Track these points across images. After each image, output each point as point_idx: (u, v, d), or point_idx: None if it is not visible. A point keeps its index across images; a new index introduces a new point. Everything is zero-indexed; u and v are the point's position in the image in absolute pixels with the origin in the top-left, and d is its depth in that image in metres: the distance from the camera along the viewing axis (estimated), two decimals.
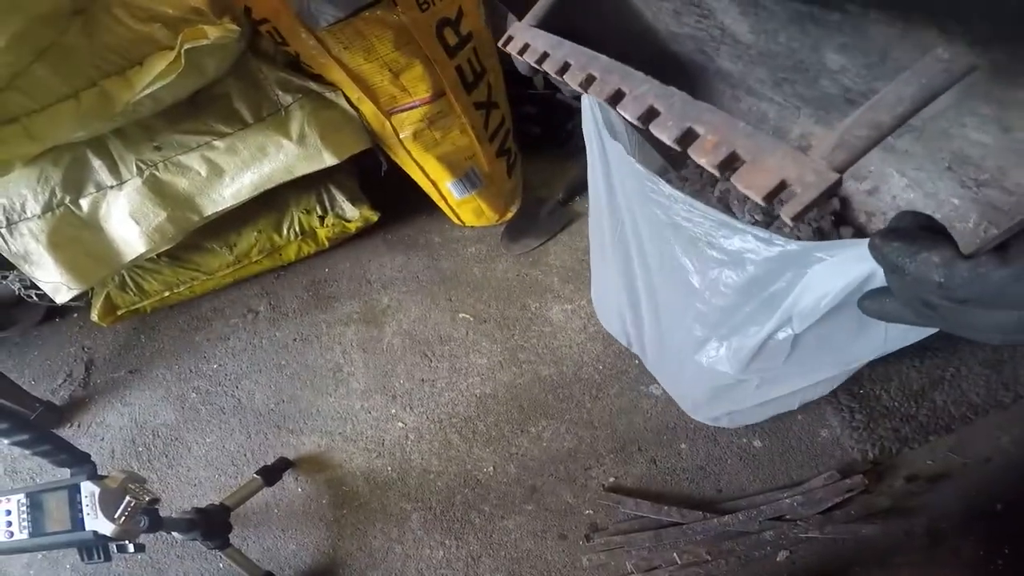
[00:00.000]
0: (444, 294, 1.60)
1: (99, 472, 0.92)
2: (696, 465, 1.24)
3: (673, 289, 0.87)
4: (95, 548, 0.91)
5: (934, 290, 0.38)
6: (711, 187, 1.05)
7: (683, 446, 1.26)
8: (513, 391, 1.40)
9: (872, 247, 0.41)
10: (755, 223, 0.90)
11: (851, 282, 0.57)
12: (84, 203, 1.35)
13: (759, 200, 0.36)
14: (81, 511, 0.88)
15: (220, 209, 1.40)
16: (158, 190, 1.35)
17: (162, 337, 1.70)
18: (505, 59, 1.55)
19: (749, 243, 0.64)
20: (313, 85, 1.36)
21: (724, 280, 0.74)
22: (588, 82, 0.50)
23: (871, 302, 0.48)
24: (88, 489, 0.88)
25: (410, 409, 1.41)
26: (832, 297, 0.60)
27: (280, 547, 1.29)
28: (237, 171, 1.37)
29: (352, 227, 1.65)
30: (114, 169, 1.33)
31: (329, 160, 1.38)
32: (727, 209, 0.98)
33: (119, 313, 1.63)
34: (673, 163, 1.11)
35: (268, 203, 1.55)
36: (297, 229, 1.63)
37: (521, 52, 0.60)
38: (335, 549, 1.27)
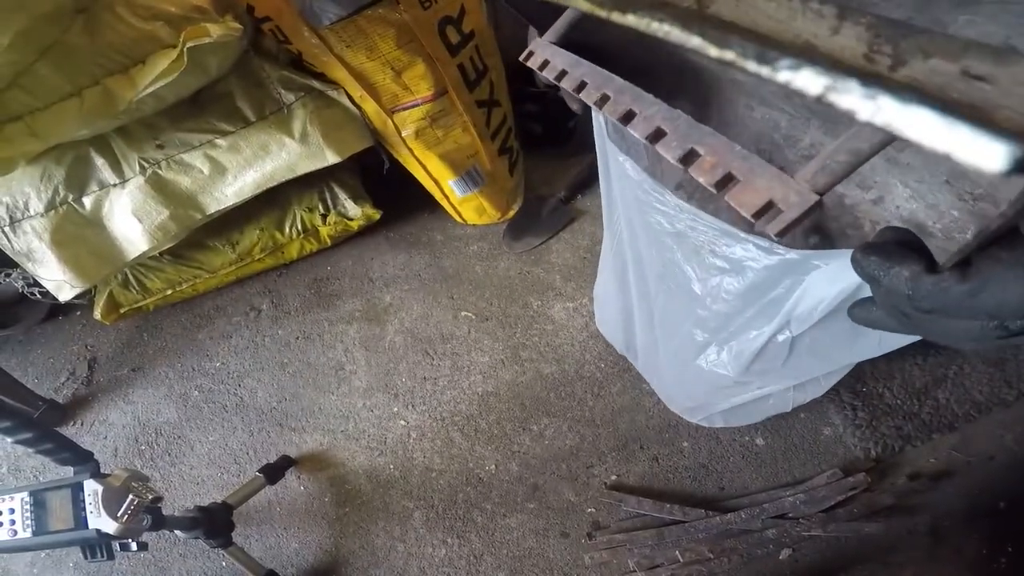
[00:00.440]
0: (446, 292, 1.60)
1: (102, 470, 0.92)
2: (698, 463, 1.24)
3: (674, 296, 0.89)
4: (98, 546, 0.91)
5: (904, 301, 0.42)
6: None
7: (685, 444, 1.26)
8: (515, 389, 1.40)
9: (853, 260, 0.45)
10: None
11: (846, 288, 0.60)
12: (87, 201, 1.35)
13: (749, 217, 0.40)
14: (84, 509, 0.88)
15: (222, 207, 1.40)
16: (161, 188, 1.35)
17: (165, 335, 1.70)
18: (506, 58, 1.55)
19: (750, 251, 0.66)
20: (315, 83, 1.36)
21: (725, 287, 0.75)
22: (603, 101, 0.55)
23: (859, 310, 0.52)
24: (91, 487, 0.88)
25: (412, 407, 1.42)
26: (828, 302, 0.63)
27: (282, 545, 1.29)
28: (239, 169, 1.37)
29: (354, 225, 1.65)
30: (117, 167, 1.34)
31: (331, 158, 1.39)
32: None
33: (122, 311, 1.63)
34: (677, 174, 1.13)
35: (270, 201, 1.55)
36: (299, 227, 1.63)
37: (541, 68, 0.64)
38: (337, 547, 1.27)
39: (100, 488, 0.88)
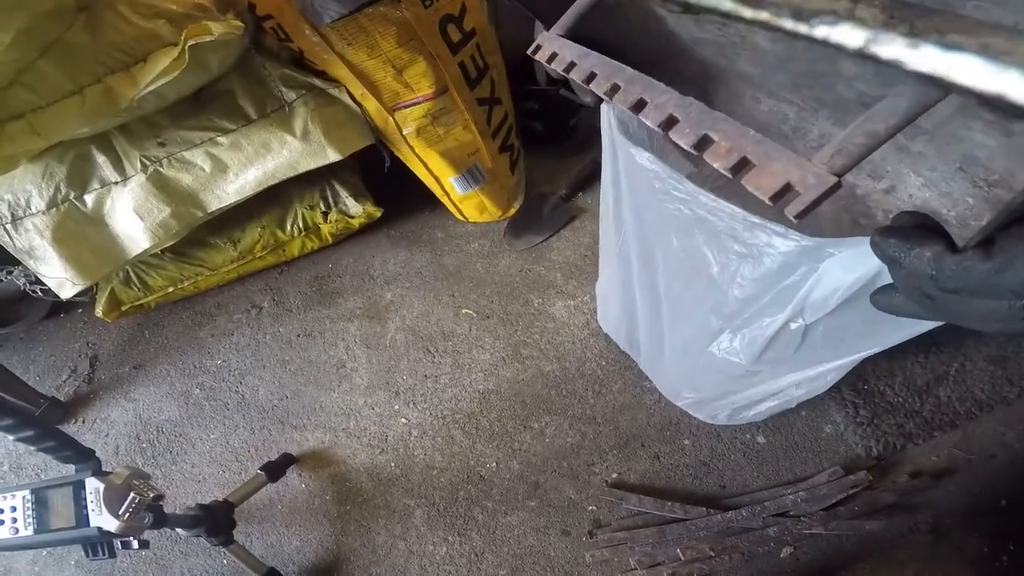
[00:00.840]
0: (447, 290, 1.60)
1: (103, 468, 0.92)
2: (699, 461, 1.24)
3: (690, 284, 0.89)
4: (100, 544, 0.91)
5: (928, 282, 0.41)
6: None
7: (686, 442, 1.26)
8: (516, 387, 1.40)
9: (872, 243, 0.45)
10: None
11: (861, 276, 0.60)
12: (88, 199, 1.35)
13: (767, 200, 0.39)
14: (86, 507, 0.88)
15: (224, 205, 1.40)
16: (162, 186, 1.35)
17: (166, 333, 1.70)
18: (507, 56, 1.55)
19: (767, 237, 0.67)
20: (317, 81, 1.37)
21: (742, 272, 0.76)
22: (613, 91, 0.54)
23: (881, 296, 0.52)
24: (93, 485, 0.88)
25: (413, 405, 1.42)
26: (843, 290, 0.63)
27: (284, 543, 1.30)
28: (241, 167, 1.37)
29: (355, 223, 1.65)
30: (118, 165, 1.34)
31: (332, 156, 1.39)
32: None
33: (123, 309, 1.63)
34: (696, 164, 1.13)
35: (272, 199, 1.55)
36: (301, 225, 1.63)
37: (549, 60, 0.65)
38: (338, 545, 1.27)
39: (102, 486, 0.88)
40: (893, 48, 0.29)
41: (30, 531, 0.89)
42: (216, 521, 1.13)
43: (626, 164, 0.86)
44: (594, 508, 1.22)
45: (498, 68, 1.50)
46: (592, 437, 1.30)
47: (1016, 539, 1.06)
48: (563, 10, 0.69)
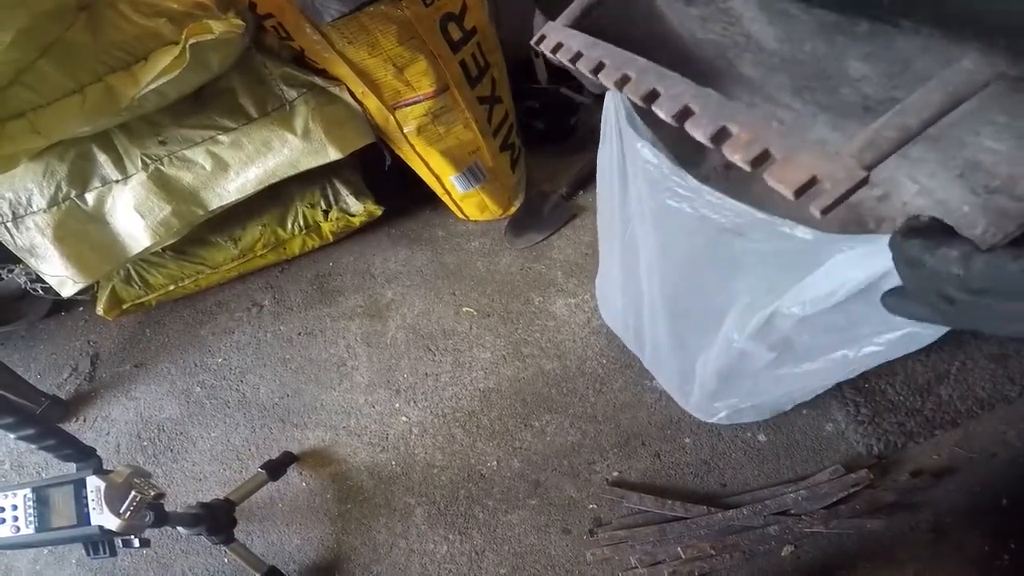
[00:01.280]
0: (448, 288, 1.60)
1: (104, 467, 0.93)
2: (700, 460, 1.24)
3: (692, 279, 0.89)
4: (101, 543, 0.91)
5: (953, 282, 0.40)
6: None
7: (687, 440, 1.26)
8: (516, 385, 1.40)
9: (892, 243, 0.44)
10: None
11: (867, 274, 0.59)
12: (89, 197, 1.35)
13: (790, 196, 0.38)
14: (87, 506, 0.88)
15: (225, 203, 1.40)
16: (163, 184, 1.35)
17: (167, 331, 1.71)
18: (508, 54, 1.55)
19: (772, 232, 0.66)
20: (317, 80, 1.37)
21: (746, 267, 0.76)
22: (623, 81, 0.53)
23: (893, 299, 0.51)
24: (94, 484, 0.89)
25: (414, 403, 1.42)
26: (848, 288, 0.63)
27: (284, 542, 1.30)
28: (242, 166, 1.37)
29: (356, 221, 1.65)
30: (119, 163, 1.34)
31: (333, 155, 1.39)
32: None
33: (124, 307, 1.63)
34: (698, 159, 1.13)
35: (273, 197, 1.55)
36: (301, 223, 1.63)
37: (554, 51, 0.63)
38: (339, 544, 1.27)
39: (103, 484, 0.88)
40: None
41: (31, 529, 0.89)
42: (217, 519, 1.13)
43: (633, 157, 0.85)
44: (595, 506, 1.22)
45: (499, 66, 1.50)
46: (593, 435, 1.30)
47: (1017, 538, 1.06)
48: (567, 2, 0.68)
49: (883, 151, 0.37)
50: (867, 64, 0.58)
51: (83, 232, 1.37)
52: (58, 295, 1.44)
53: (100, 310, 1.60)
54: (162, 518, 0.94)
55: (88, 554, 0.91)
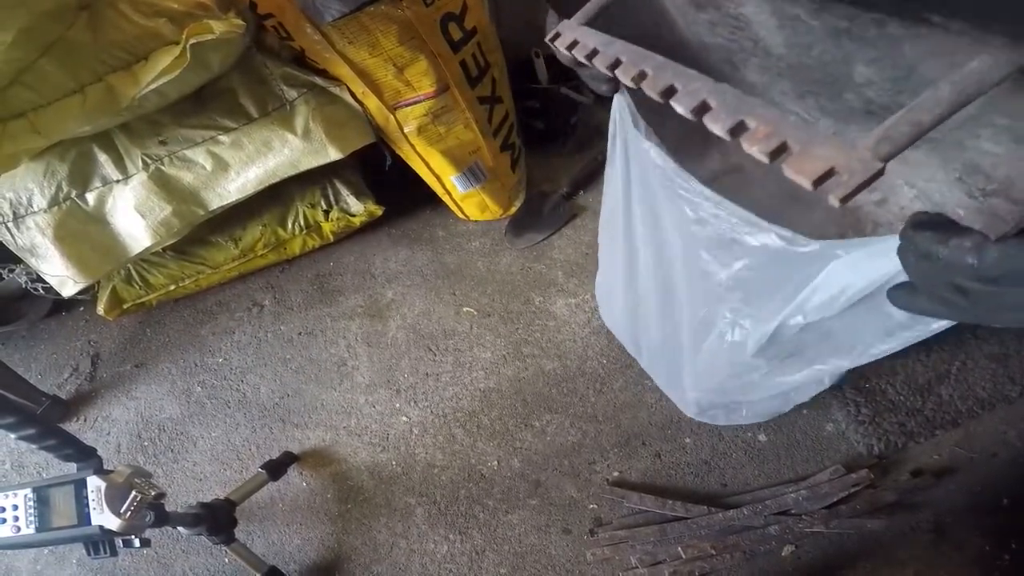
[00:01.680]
0: (448, 288, 1.60)
1: (105, 467, 0.93)
2: (701, 459, 1.24)
3: (694, 282, 0.89)
4: (101, 543, 0.91)
5: (967, 273, 0.40)
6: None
7: (687, 440, 1.26)
8: (517, 385, 1.40)
9: (903, 236, 0.44)
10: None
11: (869, 278, 0.60)
12: (90, 197, 1.35)
13: (808, 186, 0.39)
14: (87, 506, 0.88)
15: (225, 203, 1.40)
16: (163, 184, 1.35)
17: (167, 331, 1.71)
18: (508, 54, 1.55)
19: (772, 239, 0.67)
20: (318, 80, 1.36)
21: (746, 273, 0.76)
22: (640, 77, 0.54)
23: (899, 295, 0.51)
24: (94, 484, 0.89)
25: (414, 403, 1.42)
26: (850, 293, 0.63)
27: (285, 542, 1.30)
28: (242, 166, 1.37)
29: (356, 221, 1.65)
30: (120, 163, 1.34)
31: (334, 155, 1.39)
32: None
33: (125, 307, 1.63)
34: (700, 161, 1.14)
35: (273, 197, 1.55)
36: (302, 223, 1.63)
37: (569, 48, 0.63)
38: (340, 543, 1.28)
39: (103, 484, 0.88)
40: None
41: (32, 529, 0.89)
42: (217, 519, 1.13)
43: (637, 158, 0.86)
44: (595, 506, 1.22)
45: (499, 66, 1.50)
46: (593, 435, 1.30)
47: (1018, 538, 1.06)
48: (581, 2, 0.69)
49: (898, 144, 0.38)
50: (872, 69, 0.58)
51: (84, 232, 1.37)
52: (59, 295, 1.44)
53: (101, 310, 1.60)
54: (163, 518, 0.95)
55: (89, 554, 0.92)
